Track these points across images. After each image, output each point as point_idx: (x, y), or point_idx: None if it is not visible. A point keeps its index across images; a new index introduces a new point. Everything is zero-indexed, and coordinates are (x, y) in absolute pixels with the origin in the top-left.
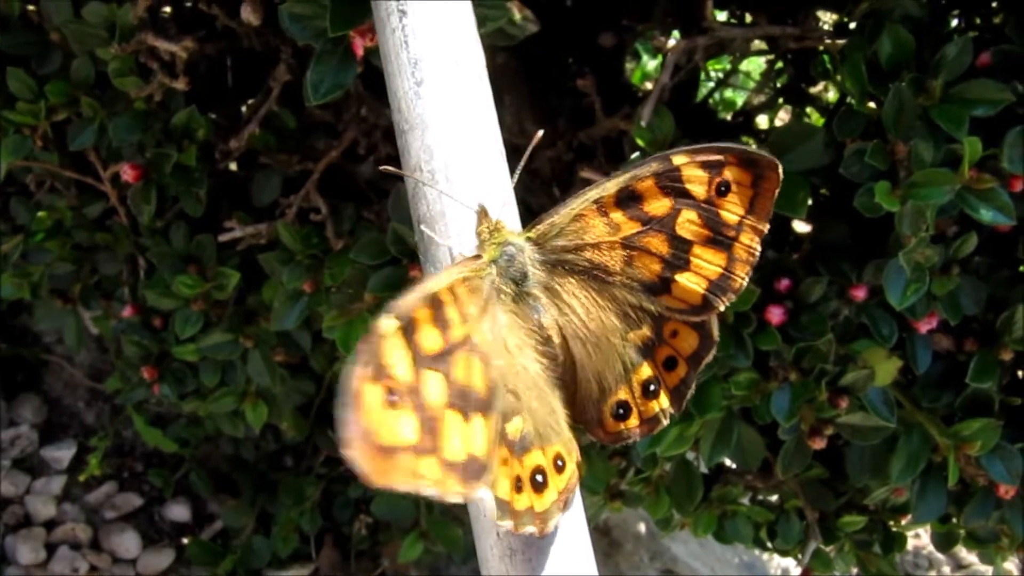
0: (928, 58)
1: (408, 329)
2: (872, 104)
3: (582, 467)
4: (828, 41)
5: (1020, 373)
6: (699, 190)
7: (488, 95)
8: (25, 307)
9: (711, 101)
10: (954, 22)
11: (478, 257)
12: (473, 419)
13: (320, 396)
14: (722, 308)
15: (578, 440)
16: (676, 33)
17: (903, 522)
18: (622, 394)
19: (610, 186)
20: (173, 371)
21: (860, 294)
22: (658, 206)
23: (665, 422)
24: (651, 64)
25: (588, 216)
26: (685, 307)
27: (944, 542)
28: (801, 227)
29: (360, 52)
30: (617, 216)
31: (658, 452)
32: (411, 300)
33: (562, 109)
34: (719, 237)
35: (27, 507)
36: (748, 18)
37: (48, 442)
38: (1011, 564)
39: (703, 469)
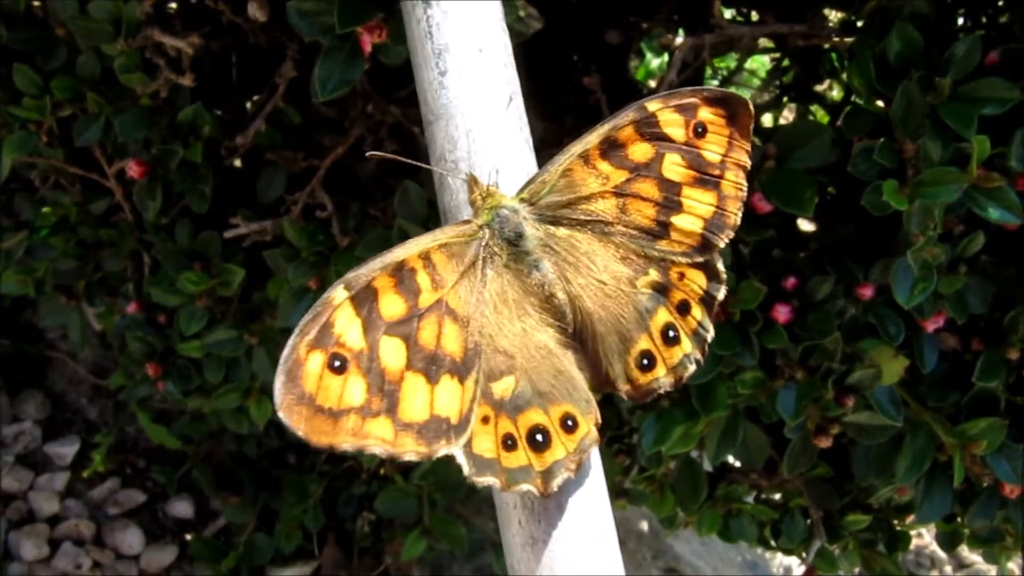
0: (936, 56)
1: (361, 298)
2: (880, 102)
3: (600, 428)
4: (835, 39)
5: None
6: (678, 133)
7: (515, 82)
8: (29, 303)
9: None
10: (960, 20)
11: (468, 222)
12: (442, 381)
13: None
14: (722, 245)
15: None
16: (682, 31)
17: (907, 521)
18: (643, 343)
19: (592, 139)
20: (177, 367)
21: (867, 293)
22: (641, 152)
23: (692, 368)
24: (655, 62)
25: (576, 170)
26: (687, 248)
27: (948, 541)
28: (807, 226)
29: (368, 48)
30: (604, 167)
31: (663, 450)
32: (370, 269)
33: (568, 106)
34: (705, 176)
35: (30, 503)
36: (755, 16)
37: (51, 438)
38: (1014, 564)
39: (708, 467)
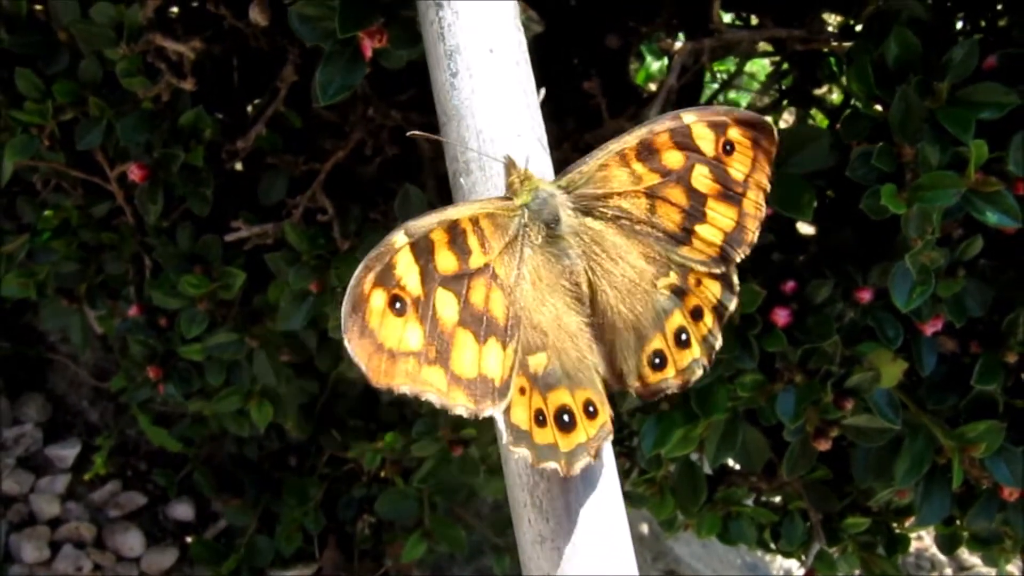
0: (935, 61)
1: (420, 247)
2: (878, 107)
3: (612, 422)
4: (834, 43)
5: None
6: (708, 147)
7: (527, 80)
8: (30, 306)
9: (717, 101)
10: (960, 24)
11: (509, 199)
12: (488, 343)
13: (324, 396)
14: (738, 259)
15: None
16: (682, 35)
17: (907, 524)
18: (657, 342)
19: (630, 139)
20: (179, 370)
21: (866, 296)
22: (674, 159)
23: (699, 373)
24: (655, 65)
25: (612, 166)
26: (705, 258)
27: (947, 544)
28: (807, 229)
29: (368, 53)
30: (638, 167)
31: (663, 453)
32: (428, 222)
33: (568, 109)
34: (729, 192)
35: (31, 505)
36: (754, 20)
37: (52, 441)
38: (1013, 567)
39: (707, 470)
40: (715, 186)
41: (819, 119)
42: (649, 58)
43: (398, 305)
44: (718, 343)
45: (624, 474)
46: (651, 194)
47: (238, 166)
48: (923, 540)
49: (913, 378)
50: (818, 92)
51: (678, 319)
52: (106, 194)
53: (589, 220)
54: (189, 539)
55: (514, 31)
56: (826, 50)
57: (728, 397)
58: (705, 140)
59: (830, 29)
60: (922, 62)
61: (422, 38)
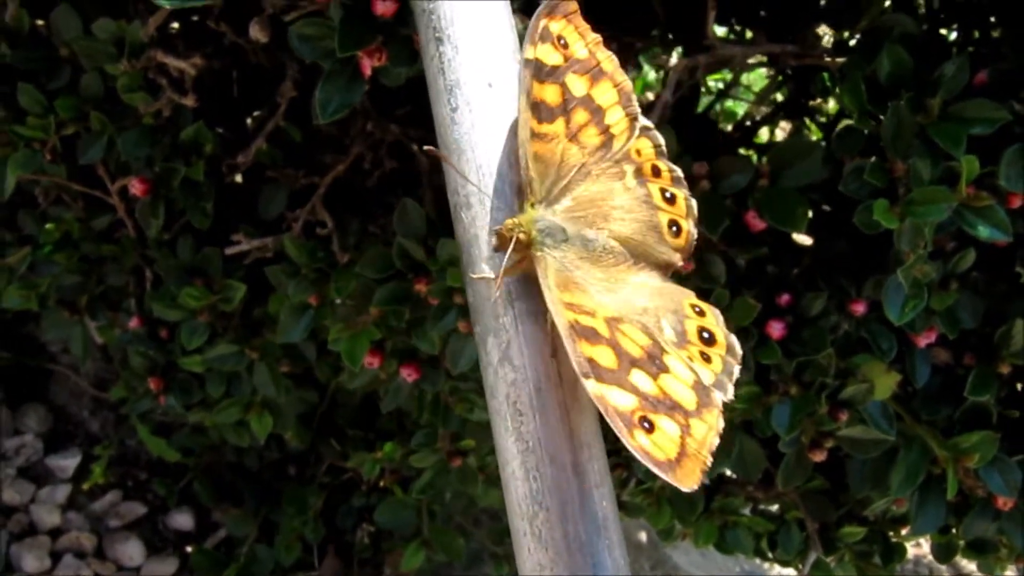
0: (926, 76)
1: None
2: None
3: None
4: (827, 59)
5: (1019, 386)
6: (553, 56)
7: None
8: (31, 316)
9: (713, 111)
10: (953, 35)
11: (527, 248)
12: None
13: (324, 406)
14: (638, 110)
15: None
16: (677, 50)
17: (903, 533)
18: (664, 218)
19: (524, 117)
20: (179, 382)
21: (860, 309)
22: (552, 94)
23: (694, 203)
24: (652, 75)
25: (541, 152)
26: (626, 134)
27: (944, 553)
28: (805, 239)
29: (368, 72)
30: (548, 129)
31: None
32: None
33: None
34: (593, 72)
35: (32, 515)
36: (748, 34)
37: (53, 451)
38: (1011, 574)
39: (704, 480)
40: (585, 78)
41: (815, 131)
42: (647, 67)
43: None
44: (678, 170)
45: (621, 484)
46: (571, 136)
47: (238, 179)
48: (922, 547)
49: (908, 389)
50: (813, 103)
51: (659, 204)
52: (107, 207)
53: (566, 205)
54: (189, 548)
55: (513, 64)
56: (819, 65)
57: (723, 408)
58: (547, 54)
59: (824, 44)
60: (914, 78)
61: (423, 65)
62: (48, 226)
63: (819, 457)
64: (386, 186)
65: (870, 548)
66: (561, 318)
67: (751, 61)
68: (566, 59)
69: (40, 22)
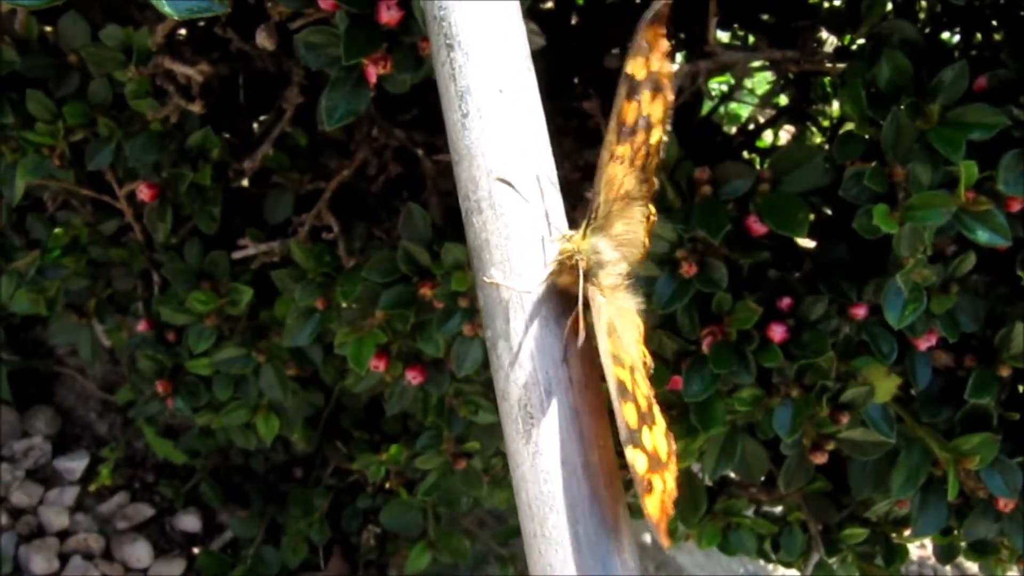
0: (926, 82)
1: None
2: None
3: None
4: (828, 65)
5: (1019, 388)
6: (642, 71)
7: (538, 121)
8: (39, 320)
9: (717, 113)
10: (956, 38)
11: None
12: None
13: (329, 408)
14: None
15: None
16: (680, 56)
17: (905, 534)
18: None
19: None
20: (187, 385)
21: (860, 312)
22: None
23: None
24: None
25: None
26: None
27: (946, 554)
28: (807, 242)
29: (373, 79)
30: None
31: None
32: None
33: (567, 129)
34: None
35: (40, 517)
36: (751, 39)
37: (61, 453)
38: (1014, 574)
39: (707, 482)
40: (649, 93)
41: (817, 135)
42: None
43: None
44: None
45: (625, 486)
46: (634, 157)
47: (245, 184)
48: (926, 548)
49: (908, 392)
50: (815, 108)
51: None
52: (115, 212)
53: (615, 229)
54: (196, 550)
55: (525, 71)
56: (820, 70)
57: (726, 411)
58: (639, 69)
59: (824, 51)
60: (914, 83)
61: (434, 72)
62: (56, 230)
63: (820, 459)
64: (391, 190)
65: (872, 549)
66: (612, 374)
67: (753, 65)
68: (648, 73)
69: (48, 29)
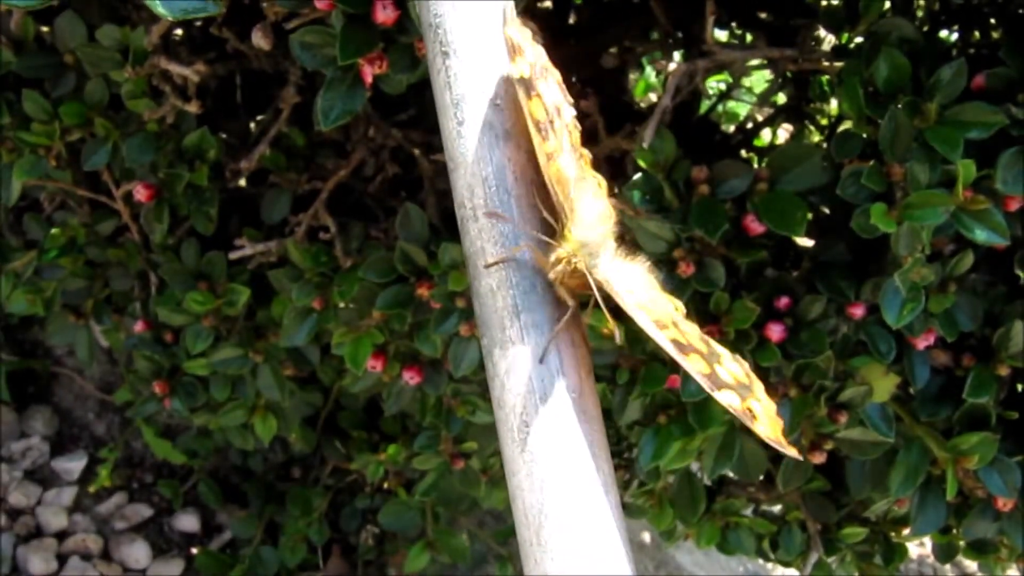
0: (924, 80)
1: None
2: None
3: None
4: (825, 63)
5: (1018, 387)
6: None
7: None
8: (36, 320)
9: (715, 112)
10: (954, 36)
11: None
12: None
13: (327, 408)
14: None
15: None
16: (677, 55)
17: (904, 533)
18: None
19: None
20: (184, 385)
21: (858, 312)
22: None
23: None
24: (654, 76)
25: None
26: None
27: (945, 553)
28: (806, 241)
29: (369, 79)
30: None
31: (661, 465)
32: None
33: None
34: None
35: (38, 518)
36: (749, 37)
37: (59, 454)
38: (1013, 573)
39: (706, 481)
40: (544, 79)
41: (814, 132)
42: (649, 68)
43: None
44: None
45: (623, 486)
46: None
47: (242, 184)
48: (925, 547)
49: (907, 391)
50: (814, 106)
51: None
52: (112, 212)
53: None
54: (194, 550)
55: None
56: (818, 69)
57: (724, 411)
58: (521, 67)
59: (824, 48)
60: (912, 82)
61: (430, 79)
62: (53, 231)
63: (818, 459)
64: (388, 191)
65: (871, 549)
66: (664, 339)
67: (751, 64)
68: (530, 66)
69: (45, 29)
